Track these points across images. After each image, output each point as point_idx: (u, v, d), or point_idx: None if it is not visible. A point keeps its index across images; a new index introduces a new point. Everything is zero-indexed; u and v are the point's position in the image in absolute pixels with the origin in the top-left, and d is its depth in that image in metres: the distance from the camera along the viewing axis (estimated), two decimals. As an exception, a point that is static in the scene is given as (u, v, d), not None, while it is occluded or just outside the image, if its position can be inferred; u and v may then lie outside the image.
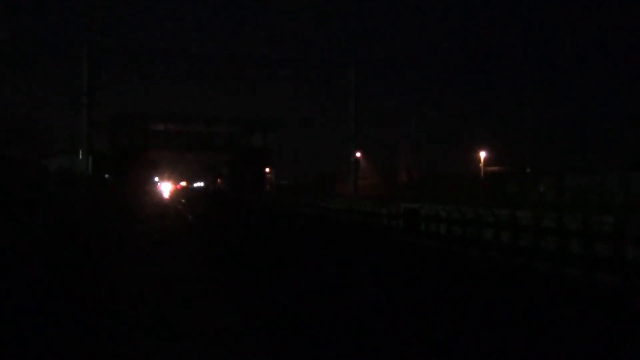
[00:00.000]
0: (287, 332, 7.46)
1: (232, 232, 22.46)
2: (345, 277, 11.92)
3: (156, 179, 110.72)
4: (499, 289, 11.03)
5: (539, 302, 9.65)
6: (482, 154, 55.87)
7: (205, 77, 50.60)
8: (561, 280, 12.03)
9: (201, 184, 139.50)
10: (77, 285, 10.50)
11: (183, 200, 66.44)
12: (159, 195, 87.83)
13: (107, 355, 6.55)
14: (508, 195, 33.07)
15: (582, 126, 60.81)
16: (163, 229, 23.57)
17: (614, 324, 8.24)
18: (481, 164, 55.75)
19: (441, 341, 7.18)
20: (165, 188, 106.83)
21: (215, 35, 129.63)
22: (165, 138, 67.57)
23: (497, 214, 15.69)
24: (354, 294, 10.05)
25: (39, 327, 7.55)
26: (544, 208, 17.82)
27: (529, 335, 7.53)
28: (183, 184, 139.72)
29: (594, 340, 7.37)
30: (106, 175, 58.16)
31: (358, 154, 52.28)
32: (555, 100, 55.44)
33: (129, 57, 48.42)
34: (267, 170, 72.35)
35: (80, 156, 46.48)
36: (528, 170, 49.62)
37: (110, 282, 11.00)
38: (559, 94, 56.41)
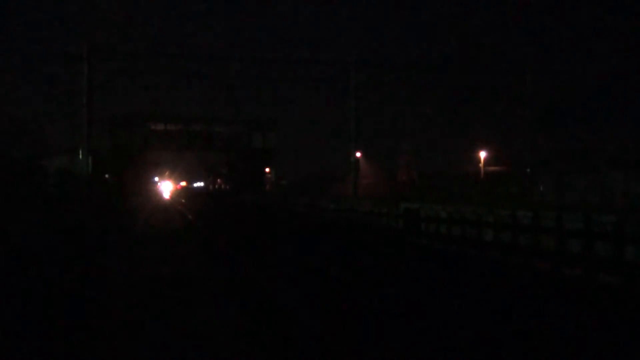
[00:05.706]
0: (285, 331, 7.45)
1: (230, 231, 22.42)
2: (344, 276, 11.90)
3: (156, 179, 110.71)
4: (499, 289, 11.01)
5: (539, 302, 9.65)
6: (482, 154, 55.86)
7: (205, 77, 50.65)
8: (561, 279, 12.03)
9: (201, 184, 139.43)
10: (76, 284, 10.48)
11: (183, 200, 66.51)
12: (159, 195, 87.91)
13: (110, 344, 6.58)
14: (508, 195, 33.09)
15: (583, 125, 60.79)
16: (163, 228, 23.57)
17: (614, 323, 8.23)
18: (481, 164, 55.74)
19: (441, 340, 7.17)
20: (166, 188, 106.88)
21: (215, 35, 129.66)
22: (165, 138, 67.44)
23: (497, 214, 15.66)
24: (353, 294, 10.03)
25: (41, 325, 7.55)
26: (544, 208, 17.80)
27: (529, 334, 7.52)
28: (183, 184, 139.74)
29: (594, 340, 7.37)
30: (106, 175, 58.15)
31: (358, 154, 52.28)
32: (555, 98, 55.38)
33: (129, 57, 48.47)
34: (267, 170, 72.31)
35: (80, 156, 46.47)
36: (528, 170, 49.62)
37: (110, 276, 10.99)
38: (559, 92, 56.34)
